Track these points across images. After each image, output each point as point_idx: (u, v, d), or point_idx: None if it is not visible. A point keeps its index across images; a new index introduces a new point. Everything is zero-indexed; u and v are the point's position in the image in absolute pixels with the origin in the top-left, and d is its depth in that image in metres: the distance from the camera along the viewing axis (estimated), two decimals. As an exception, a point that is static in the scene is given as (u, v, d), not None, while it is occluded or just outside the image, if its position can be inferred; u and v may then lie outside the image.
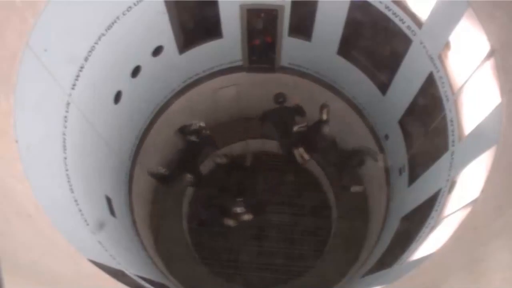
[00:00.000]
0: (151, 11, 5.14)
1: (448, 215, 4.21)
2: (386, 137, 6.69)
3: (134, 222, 6.37)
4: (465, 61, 4.22)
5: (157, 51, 5.80)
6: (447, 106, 4.63)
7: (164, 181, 7.51)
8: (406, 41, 5.12)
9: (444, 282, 3.15)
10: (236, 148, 8.66)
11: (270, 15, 6.19)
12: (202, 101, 7.55)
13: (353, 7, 5.44)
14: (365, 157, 7.25)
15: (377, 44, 6.07)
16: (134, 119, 6.35)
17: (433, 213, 4.58)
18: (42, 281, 2.71)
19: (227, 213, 7.37)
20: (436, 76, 4.76)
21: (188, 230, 8.17)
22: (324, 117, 6.88)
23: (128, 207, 6.33)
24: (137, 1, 4.80)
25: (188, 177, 7.32)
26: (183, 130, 7.34)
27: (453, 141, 4.53)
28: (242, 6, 5.89)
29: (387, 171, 6.87)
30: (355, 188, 7.80)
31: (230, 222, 7.41)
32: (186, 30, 6.30)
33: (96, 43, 4.46)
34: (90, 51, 4.41)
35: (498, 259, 2.92)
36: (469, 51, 4.06)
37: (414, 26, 4.90)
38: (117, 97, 5.44)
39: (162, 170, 7.23)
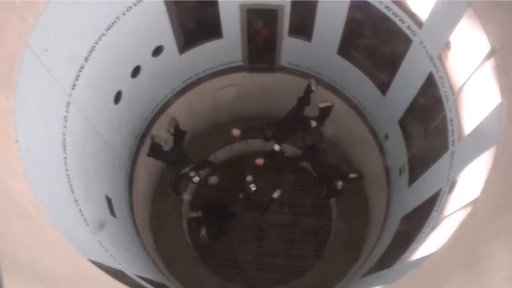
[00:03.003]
0: (151, 11, 5.14)
1: (448, 215, 4.21)
2: (386, 137, 6.69)
3: (134, 222, 6.38)
4: (465, 61, 4.22)
5: (157, 51, 5.80)
6: (447, 106, 4.63)
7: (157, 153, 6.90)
8: (406, 41, 5.12)
9: (444, 282, 3.15)
10: (236, 148, 8.67)
11: (270, 15, 6.19)
12: (202, 101, 7.55)
13: (353, 7, 5.44)
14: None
15: (377, 44, 6.07)
16: (134, 119, 6.35)
17: (433, 213, 4.58)
18: (42, 281, 2.71)
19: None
20: (436, 76, 4.76)
21: (188, 230, 8.18)
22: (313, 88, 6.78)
23: (128, 207, 6.33)
24: (137, 1, 4.80)
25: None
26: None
27: (453, 141, 4.53)
28: (242, 6, 5.89)
29: (387, 171, 6.87)
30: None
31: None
32: (186, 30, 6.30)
33: (96, 43, 4.46)
34: (90, 51, 4.41)
35: (498, 259, 2.92)
36: (469, 51, 4.06)
37: (414, 26, 4.90)
38: (117, 97, 5.44)
39: (163, 143, 6.70)
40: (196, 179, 6.65)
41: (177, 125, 6.92)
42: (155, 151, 6.80)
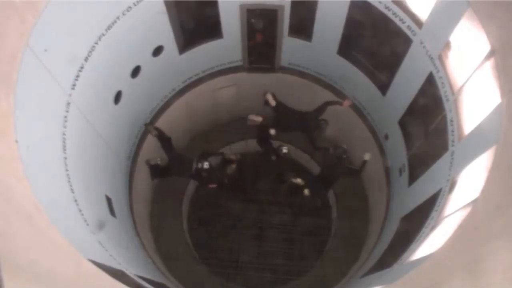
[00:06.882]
0: (151, 11, 5.14)
1: (448, 215, 4.21)
2: (386, 137, 6.69)
3: (134, 222, 6.37)
4: (465, 61, 4.22)
5: (157, 51, 5.80)
6: (447, 106, 4.63)
7: (158, 173, 7.25)
8: (406, 41, 5.12)
9: (444, 282, 3.15)
10: (236, 148, 8.67)
11: (270, 15, 6.19)
12: (202, 101, 7.55)
13: (353, 7, 5.44)
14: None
15: (377, 44, 6.08)
16: (134, 119, 6.35)
17: (433, 213, 4.58)
18: (42, 281, 2.71)
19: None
20: (436, 76, 4.76)
21: (188, 230, 8.18)
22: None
23: (128, 207, 6.33)
24: (137, 1, 4.81)
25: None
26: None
27: (453, 141, 4.53)
28: (242, 6, 5.89)
29: (387, 171, 6.87)
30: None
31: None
32: (186, 30, 6.30)
33: (96, 43, 4.46)
34: (90, 51, 4.41)
35: (498, 259, 2.92)
36: (469, 51, 4.06)
37: (414, 26, 4.91)
38: (117, 97, 5.44)
39: (158, 161, 7.01)
40: (206, 164, 6.69)
41: (158, 129, 6.97)
42: (156, 171, 7.10)
